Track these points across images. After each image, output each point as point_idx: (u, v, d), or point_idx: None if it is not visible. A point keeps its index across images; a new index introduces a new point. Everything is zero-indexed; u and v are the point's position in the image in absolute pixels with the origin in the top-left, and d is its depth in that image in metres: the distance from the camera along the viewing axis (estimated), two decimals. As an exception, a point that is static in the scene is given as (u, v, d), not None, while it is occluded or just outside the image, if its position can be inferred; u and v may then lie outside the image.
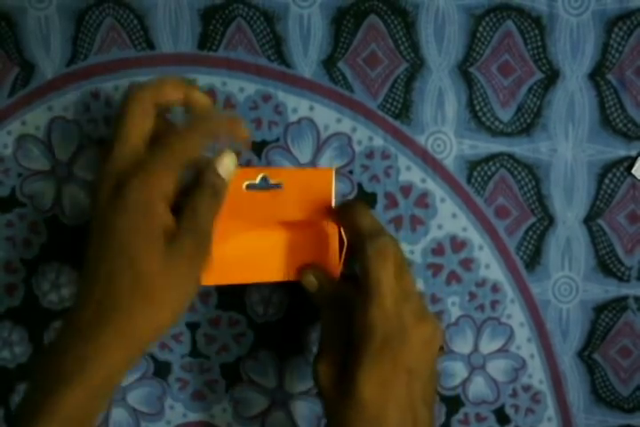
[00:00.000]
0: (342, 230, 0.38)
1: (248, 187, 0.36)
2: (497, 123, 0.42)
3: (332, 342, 0.36)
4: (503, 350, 0.43)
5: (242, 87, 0.40)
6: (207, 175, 0.34)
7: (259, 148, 0.41)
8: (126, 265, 0.32)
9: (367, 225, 0.35)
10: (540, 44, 0.41)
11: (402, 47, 0.41)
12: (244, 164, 0.40)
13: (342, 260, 0.37)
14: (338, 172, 0.40)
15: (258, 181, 0.36)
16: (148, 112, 0.34)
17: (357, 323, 0.34)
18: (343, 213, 0.37)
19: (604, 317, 0.43)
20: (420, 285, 0.42)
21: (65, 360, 0.31)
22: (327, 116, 0.41)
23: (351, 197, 0.41)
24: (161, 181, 0.32)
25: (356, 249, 0.35)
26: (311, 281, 0.37)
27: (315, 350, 0.42)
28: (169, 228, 0.33)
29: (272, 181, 0.36)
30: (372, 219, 0.36)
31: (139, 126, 0.34)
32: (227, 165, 0.35)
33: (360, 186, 0.41)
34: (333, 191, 0.38)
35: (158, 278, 0.32)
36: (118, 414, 0.42)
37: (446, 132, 0.41)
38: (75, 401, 0.31)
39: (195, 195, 0.34)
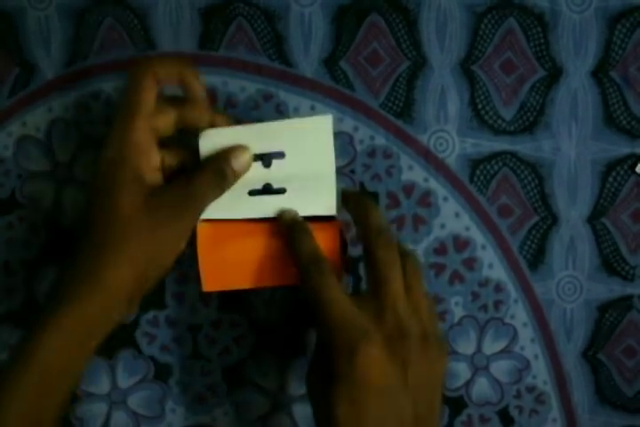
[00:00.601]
0: (343, 232, 0.37)
1: (251, 193, 0.36)
2: (499, 121, 0.41)
3: (322, 356, 0.34)
4: (507, 351, 0.43)
5: (243, 86, 0.40)
6: (218, 163, 0.34)
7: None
8: (107, 206, 0.32)
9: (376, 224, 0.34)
10: (542, 41, 0.41)
11: (403, 45, 0.41)
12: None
13: (344, 262, 0.36)
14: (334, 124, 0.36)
15: (261, 187, 0.35)
16: (154, 85, 0.34)
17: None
18: (356, 208, 0.36)
19: (609, 316, 0.43)
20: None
21: (44, 307, 0.32)
22: (329, 116, 0.41)
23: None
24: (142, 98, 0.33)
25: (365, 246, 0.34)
26: None
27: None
28: (153, 177, 0.33)
29: (275, 187, 0.36)
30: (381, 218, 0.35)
31: (151, 97, 0.33)
32: (243, 161, 0.35)
33: (362, 185, 0.41)
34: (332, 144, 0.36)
35: (136, 222, 0.32)
36: (119, 417, 0.42)
37: (449, 131, 0.41)
38: (50, 344, 0.31)
39: (196, 175, 0.34)
